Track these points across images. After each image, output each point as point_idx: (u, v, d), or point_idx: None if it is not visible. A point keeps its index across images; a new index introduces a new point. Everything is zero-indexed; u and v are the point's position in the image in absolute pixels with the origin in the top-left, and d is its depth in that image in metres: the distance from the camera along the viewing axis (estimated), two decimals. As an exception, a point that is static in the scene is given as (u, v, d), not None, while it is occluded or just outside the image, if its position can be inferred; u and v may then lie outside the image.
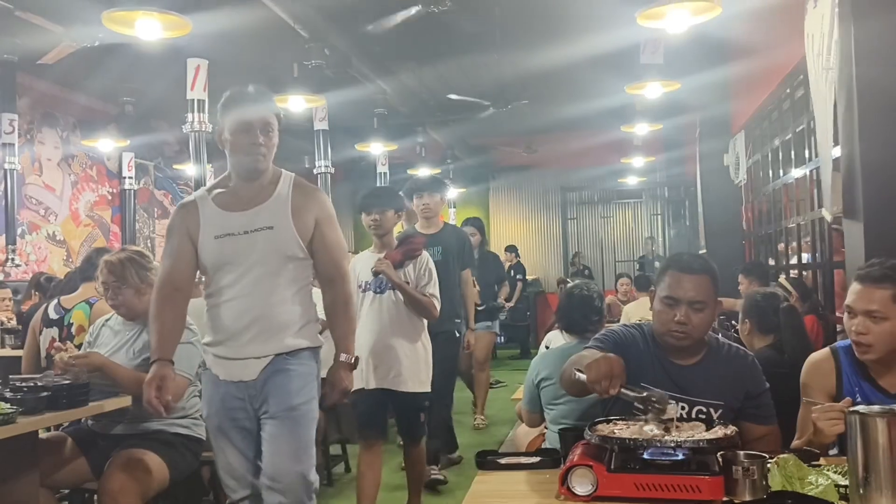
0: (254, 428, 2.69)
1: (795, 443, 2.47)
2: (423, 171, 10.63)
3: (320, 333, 2.92)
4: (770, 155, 6.92)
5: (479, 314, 6.19)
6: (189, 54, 5.36)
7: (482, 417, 6.67)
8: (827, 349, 2.56)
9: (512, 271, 11.89)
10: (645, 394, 2.16)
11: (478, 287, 6.00)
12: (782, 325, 3.19)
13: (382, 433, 3.95)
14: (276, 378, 2.65)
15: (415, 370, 3.80)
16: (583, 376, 2.15)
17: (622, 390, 2.13)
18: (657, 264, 11.32)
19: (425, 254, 4.04)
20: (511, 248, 12.37)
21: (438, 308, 3.95)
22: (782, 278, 5.24)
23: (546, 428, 3.17)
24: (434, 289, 3.95)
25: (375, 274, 3.86)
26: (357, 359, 2.76)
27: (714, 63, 7.26)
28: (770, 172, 6.95)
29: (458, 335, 4.84)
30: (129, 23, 4.41)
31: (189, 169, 7.41)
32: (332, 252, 2.75)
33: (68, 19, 6.41)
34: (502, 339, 11.64)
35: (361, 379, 3.67)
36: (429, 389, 3.82)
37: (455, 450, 5.24)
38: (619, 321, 6.65)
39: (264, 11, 5.88)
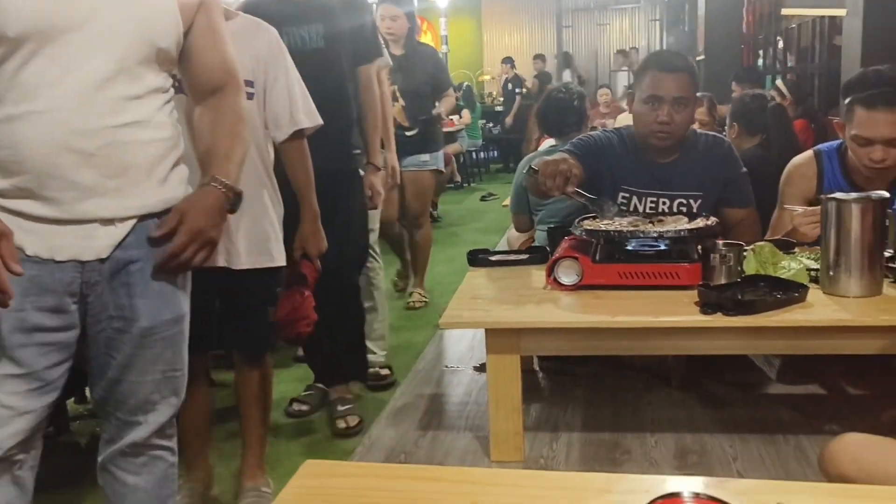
0: (69, 336, 1.47)
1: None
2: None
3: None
4: (776, -50, 6.59)
5: (411, 143, 3.96)
6: None
7: (421, 292, 4.29)
8: (810, 152, 2.58)
9: (509, 85, 11.66)
10: (595, 198, 2.26)
11: (401, 101, 3.87)
12: (770, 123, 3.20)
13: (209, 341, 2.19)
14: (149, 264, 1.49)
15: (254, 236, 2.08)
16: (535, 172, 2.20)
17: (576, 192, 2.20)
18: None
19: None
20: (507, 60, 12.03)
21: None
22: (778, 81, 5.18)
23: (536, 230, 3.27)
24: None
25: None
26: (238, 195, 1.57)
27: None
28: (774, -30, 6.66)
29: (362, 174, 2.83)
30: None
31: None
32: (223, 50, 1.62)
33: None
34: (485, 154, 11.43)
35: None
36: (281, 264, 2.14)
37: (365, 373, 2.93)
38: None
39: None
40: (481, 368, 2.86)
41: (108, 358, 1.50)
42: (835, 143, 2.52)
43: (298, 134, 2.13)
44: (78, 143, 1.39)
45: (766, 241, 2.33)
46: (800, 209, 2.40)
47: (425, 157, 4.18)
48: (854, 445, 1.68)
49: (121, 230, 1.46)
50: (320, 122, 2.17)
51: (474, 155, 10.47)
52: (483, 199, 8.77)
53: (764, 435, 2.23)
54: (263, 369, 2.22)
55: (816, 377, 2.59)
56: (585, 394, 2.62)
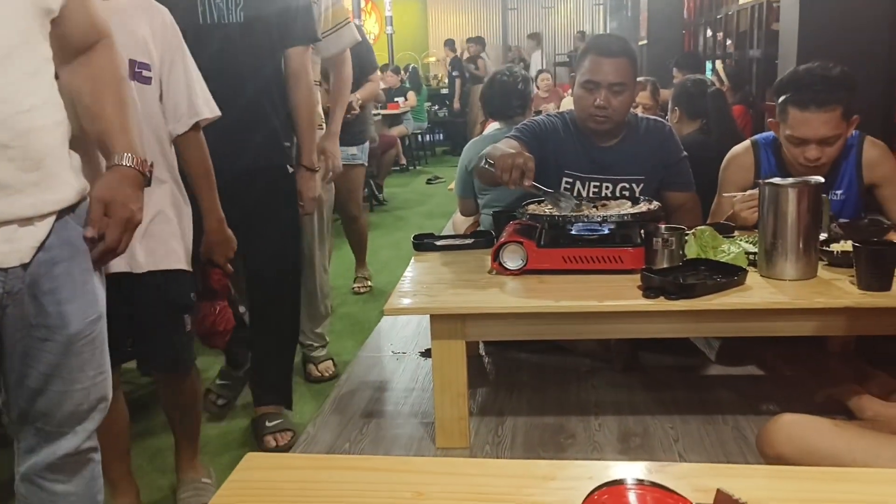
0: None
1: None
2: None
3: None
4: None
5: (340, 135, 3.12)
6: None
7: (364, 275, 4.27)
8: (747, 142, 2.62)
9: (450, 67, 11.60)
10: (551, 192, 2.24)
11: (324, 85, 3.20)
12: (709, 108, 3.24)
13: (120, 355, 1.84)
14: (73, 263, 1.35)
15: (156, 235, 1.86)
16: (492, 168, 2.18)
17: (534, 186, 2.17)
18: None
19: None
20: (448, 43, 11.97)
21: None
22: (718, 64, 5.26)
23: (481, 214, 3.26)
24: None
25: None
26: (150, 166, 1.43)
27: None
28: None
29: (291, 172, 2.45)
30: None
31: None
32: (89, 4, 1.43)
33: None
34: (430, 136, 11.29)
35: None
36: (186, 267, 1.93)
37: (290, 399, 2.58)
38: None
39: None
40: (427, 354, 2.85)
41: (27, 368, 1.34)
42: (771, 134, 2.57)
43: (196, 126, 1.90)
44: None
45: (706, 225, 2.37)
46: (738, 195, 2.45)
47: (354, 150, 3.84)
48: (789, 426, 1.73)
49: (41, 229, 1.29)
50: (219, 112, 1.93)
51: (420, 137, 10.43)
52: (429, 182, 8.74)
53: (704, 416, 2.27)
54: (189, 379, 2.04)
55: (754, 358, 2.66)
56: (530, 378, 2.64)
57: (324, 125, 2.84)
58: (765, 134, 2.61)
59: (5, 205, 1.23)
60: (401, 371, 2.84)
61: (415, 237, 2.62)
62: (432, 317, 2.09)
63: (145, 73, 1.80)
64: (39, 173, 1.27)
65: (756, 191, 2.27)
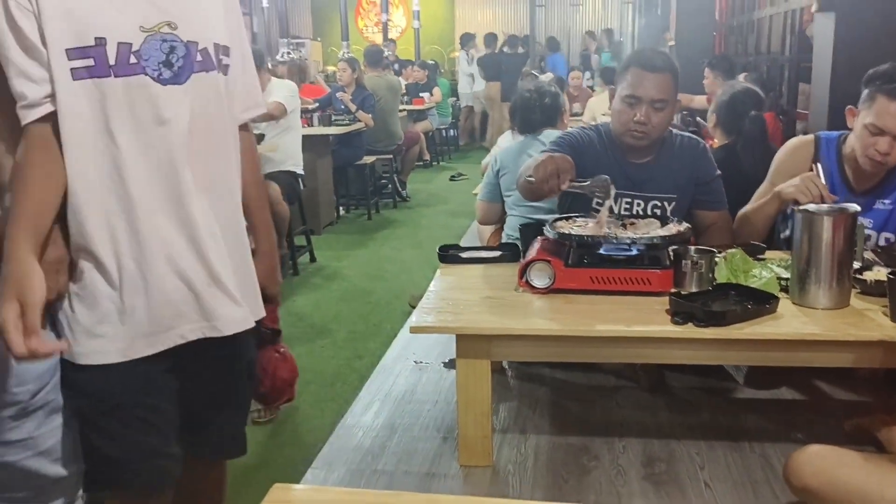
0: None
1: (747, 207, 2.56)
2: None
3: None
4: (750, -62, 6.59)
5: None
6: None
7: None
8: (811, 136, 2.57)
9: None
10: (588, 182, 2.16)
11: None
12: (745, 130, 3.14)
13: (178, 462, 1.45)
14: None
15: (242, 279, 1.42)
16: (532, 179, 2.15)
17: (570, 184, 2.12)
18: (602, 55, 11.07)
19: None
20: (468, 38, 11.73)
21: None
22: (742, 78, 5.17)
23: (507, 216, 3.26)
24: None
25: None
26: None
27: None
28: (749, -42, 6.66)
29: None
30: None
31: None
32: None
33: None
34: (454, 132, 11.10)
35: (116, 341, 1.32)
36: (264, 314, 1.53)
37: None
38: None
39: None
40: (451, 365, 2.84)
41: None
42: (834, 133, 2.52)
43: (245, 125, 1.53)
44: None
45: (737, 247, 2.33)
46: (811, 175, 2.33)
47: None
48: (816, 458, 1.71)
49: None
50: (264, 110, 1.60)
51: (444, 133, 10.40)
52: (452, 178, 8.73)
53: (731, 442, 2.23)
54: (223, 466, 1.65)
55: (783, 384, 2.61)
56: (554, 395, 2.62)
57: None
58: (827, 132, 2.56)
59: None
60: (423, 381, 2.83)
61: (440, 248, 2.61)
62: (458, 336, 2.08)
63: (224, 59, 1.39)
64: None
65: (822, 182, 2.26)
